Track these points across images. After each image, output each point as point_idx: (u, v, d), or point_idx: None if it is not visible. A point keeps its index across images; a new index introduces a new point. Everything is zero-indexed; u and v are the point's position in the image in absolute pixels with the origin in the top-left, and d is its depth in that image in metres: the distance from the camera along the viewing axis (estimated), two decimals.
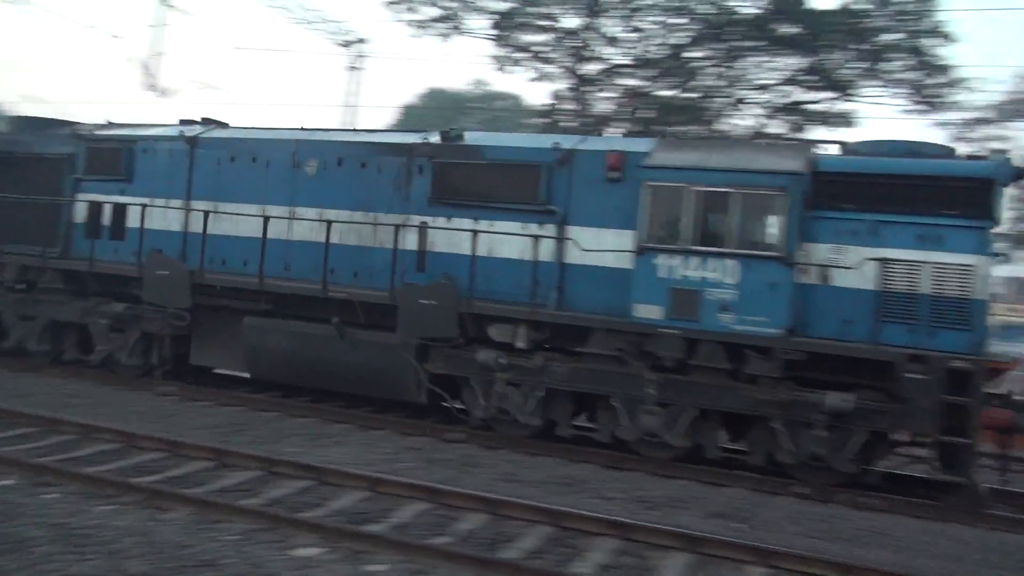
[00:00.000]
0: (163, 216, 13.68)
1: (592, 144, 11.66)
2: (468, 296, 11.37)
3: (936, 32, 22.13)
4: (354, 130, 13.38)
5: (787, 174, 9.97)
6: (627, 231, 10.87)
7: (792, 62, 23.68)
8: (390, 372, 11.82)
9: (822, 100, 24.03)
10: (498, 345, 11.29)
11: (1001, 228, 10.84)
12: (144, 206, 13.65)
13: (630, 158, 11.00)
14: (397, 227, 12.00)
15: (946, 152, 10.56)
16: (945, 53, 22.39)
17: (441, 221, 11.96)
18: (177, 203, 13.64)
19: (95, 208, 14.12)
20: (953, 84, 22.86)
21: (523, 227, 11.50)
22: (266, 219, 12.57)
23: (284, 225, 12.80)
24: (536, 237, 11.24)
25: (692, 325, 10.25)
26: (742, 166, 10.19)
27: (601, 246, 10.98)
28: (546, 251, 11.35)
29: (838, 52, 23.09)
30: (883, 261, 9.79)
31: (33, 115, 16.60)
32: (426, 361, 11.59)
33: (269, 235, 12.74)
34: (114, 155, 14.17)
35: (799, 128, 23.54)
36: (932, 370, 9.31)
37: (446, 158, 12.02)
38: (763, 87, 24.40)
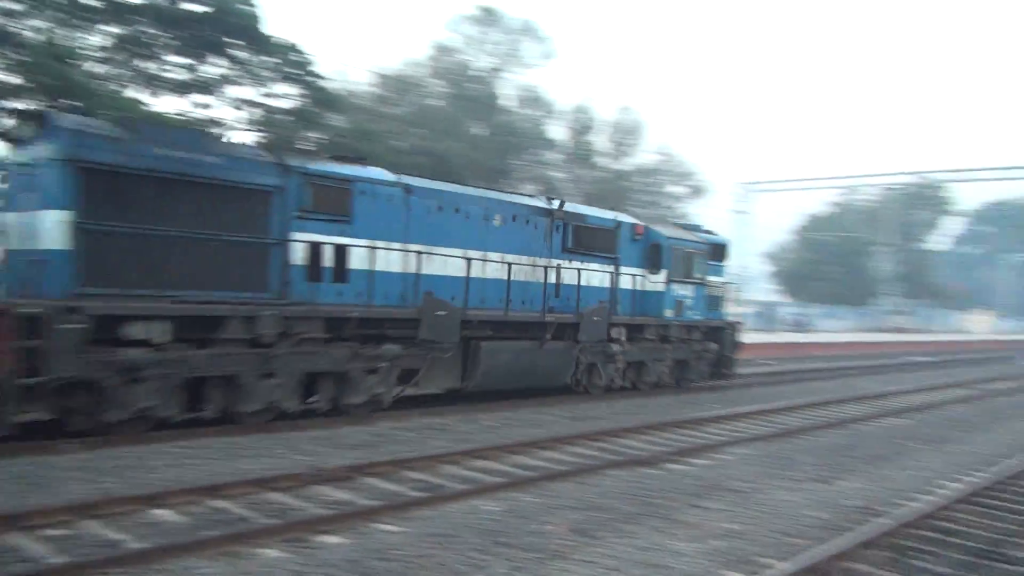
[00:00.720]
0: (385, 258, 14.44)
1: (626, 218, 19.68)
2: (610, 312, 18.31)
3: None
4: (517, 193, 16.65)
5: (710, 244, 21.22)
6: (641, 269, 19.93)
7: None
8: (563, 367, 17.53)
9: None
10: (613, 340, 18.65)
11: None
12: (369, 248, 14.14)
13: (645, 229, 19.98)
14: (546, 267, 17.49)
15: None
16: None
17: (566, 263, 18.00)
18: (396, 246, 14.60)
19: (315, 249, 13.40)
20: None
21: (602, 267, 18.90)
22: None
23: (480, 267, 16.12)
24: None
25: (682, 319, 20.41)
26: (697, 239, 20.85)
27: (632, 281, 19.62)
28: (619, 282, 19.20)
29: None
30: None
31: (213, 133, 11.75)
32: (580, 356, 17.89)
33: (470, 274, 15.99)
34: (340, 194, 13.63)
35: None
36: (732, 326, 22.37)
37: (573, 222, 18.02)
38: None
